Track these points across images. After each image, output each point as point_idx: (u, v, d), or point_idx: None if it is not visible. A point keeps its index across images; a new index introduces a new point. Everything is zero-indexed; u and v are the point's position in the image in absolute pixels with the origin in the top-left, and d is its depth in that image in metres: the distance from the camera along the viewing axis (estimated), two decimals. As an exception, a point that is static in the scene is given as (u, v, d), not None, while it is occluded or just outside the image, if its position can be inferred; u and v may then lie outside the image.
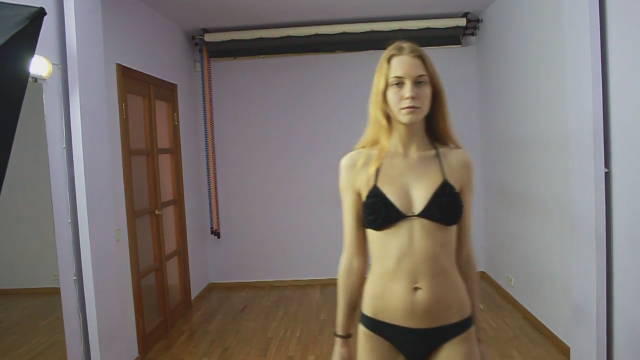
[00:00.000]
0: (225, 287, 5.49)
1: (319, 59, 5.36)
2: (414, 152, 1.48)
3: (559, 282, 3.54)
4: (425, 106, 1.43)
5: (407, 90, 1.39)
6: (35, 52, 1.59)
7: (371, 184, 1.45)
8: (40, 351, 2.60)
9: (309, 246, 5.44)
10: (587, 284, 2.90)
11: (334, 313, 1.62)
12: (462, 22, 5.01)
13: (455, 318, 1.43)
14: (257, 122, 5.45)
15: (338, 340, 1.57)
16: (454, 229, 1.45)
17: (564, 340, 3.45)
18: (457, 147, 1.53)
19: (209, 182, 5.32)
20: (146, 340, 3.77)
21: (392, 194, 1.42)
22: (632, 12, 2.61)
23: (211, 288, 5.49)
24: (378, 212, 1.41)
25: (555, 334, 3.59)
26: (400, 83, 1.40)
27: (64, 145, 2.76)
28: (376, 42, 5.16)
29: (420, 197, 1.41)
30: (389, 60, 1.44)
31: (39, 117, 2.58)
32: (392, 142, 1.49)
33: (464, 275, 1.50)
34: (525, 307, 4.16)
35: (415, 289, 1.40)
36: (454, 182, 1.45)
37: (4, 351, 2.38)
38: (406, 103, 1.39)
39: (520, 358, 3.40)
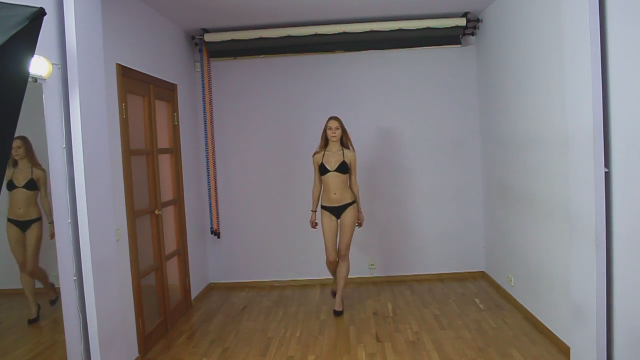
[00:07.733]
0: (225, 287, 5.50)
1: (319, 59, 5.37)
2: (335, 150, 4.38)
3: (558, 282, 3.54)
4: (338, 136, 4.36)
5: (332, 130, 4.34)
6: (35, 52, 1.59)
7: (321, 161, 4.38)
8: (40, 351, 2.60)
9: (308, 246, 5.44)
10: (587, 284, 2.90)
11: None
12: (462, 22, 5.00)
13: (347, 201, 4.39)
14: (257, 122, 5.45)
15: (311, 213, 4.56)
16: (347, 175, 4.37)
17: (564, 340, 3.45)
18: (350, 149, 4.43)
19: (209, 182, 5.32)
20: (146, 340, 3.77)
21: (327, 164, 4.35)
22: (632, 12, 2.61)
23: (211, 288, 5.49)
24: (322, 169, 4.37)
25: (555, 333, 3.60)
26: (330, 128, 4.35)
27: (64, 145, 2.76)
28: (376, 42, 5.18)
29: (335, 165, 4.34)
30: (327, 121, 4.41)
31: (39, 117, 2.57)
32: (328, 147, 4.41)
33: (352, 190, 4.43)
34: (525, 307, 4.16)
35: (335, 194, 4.36)
36: (346, 160, 4.34)
37: (4, 351, 2.37)
38: (331, 133, 4.35)
39: (520, 358, 3.40)
